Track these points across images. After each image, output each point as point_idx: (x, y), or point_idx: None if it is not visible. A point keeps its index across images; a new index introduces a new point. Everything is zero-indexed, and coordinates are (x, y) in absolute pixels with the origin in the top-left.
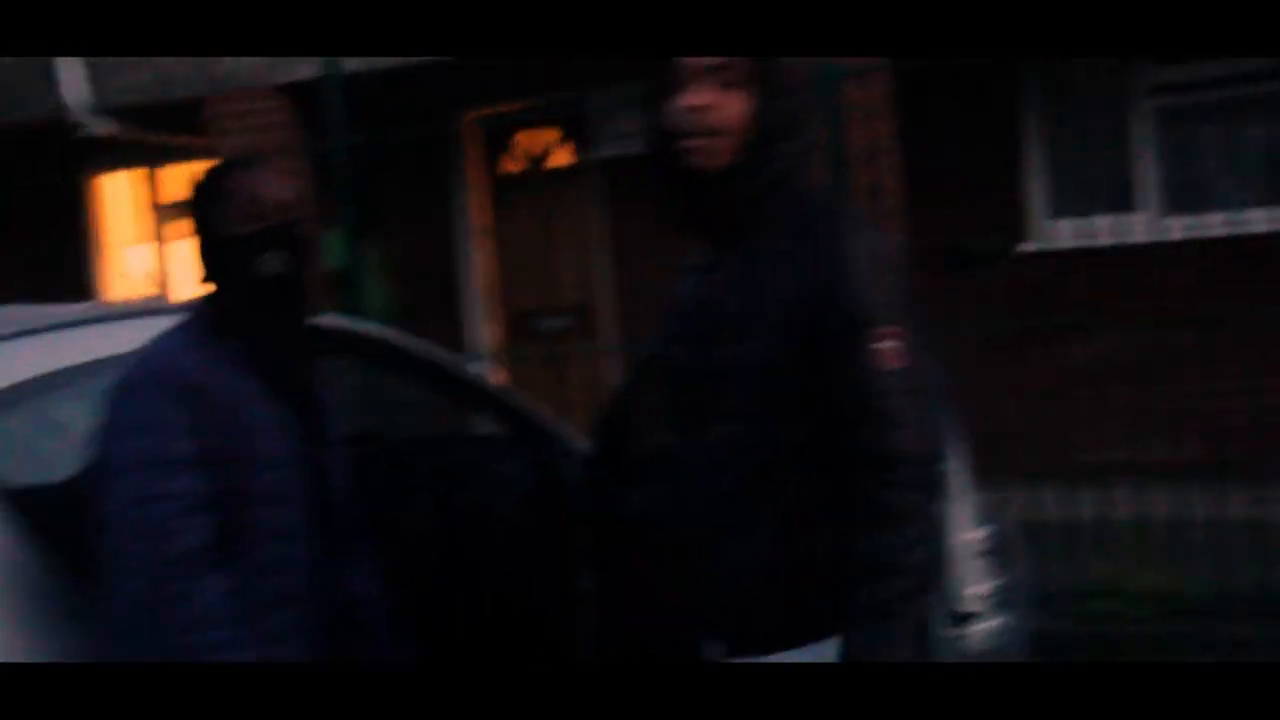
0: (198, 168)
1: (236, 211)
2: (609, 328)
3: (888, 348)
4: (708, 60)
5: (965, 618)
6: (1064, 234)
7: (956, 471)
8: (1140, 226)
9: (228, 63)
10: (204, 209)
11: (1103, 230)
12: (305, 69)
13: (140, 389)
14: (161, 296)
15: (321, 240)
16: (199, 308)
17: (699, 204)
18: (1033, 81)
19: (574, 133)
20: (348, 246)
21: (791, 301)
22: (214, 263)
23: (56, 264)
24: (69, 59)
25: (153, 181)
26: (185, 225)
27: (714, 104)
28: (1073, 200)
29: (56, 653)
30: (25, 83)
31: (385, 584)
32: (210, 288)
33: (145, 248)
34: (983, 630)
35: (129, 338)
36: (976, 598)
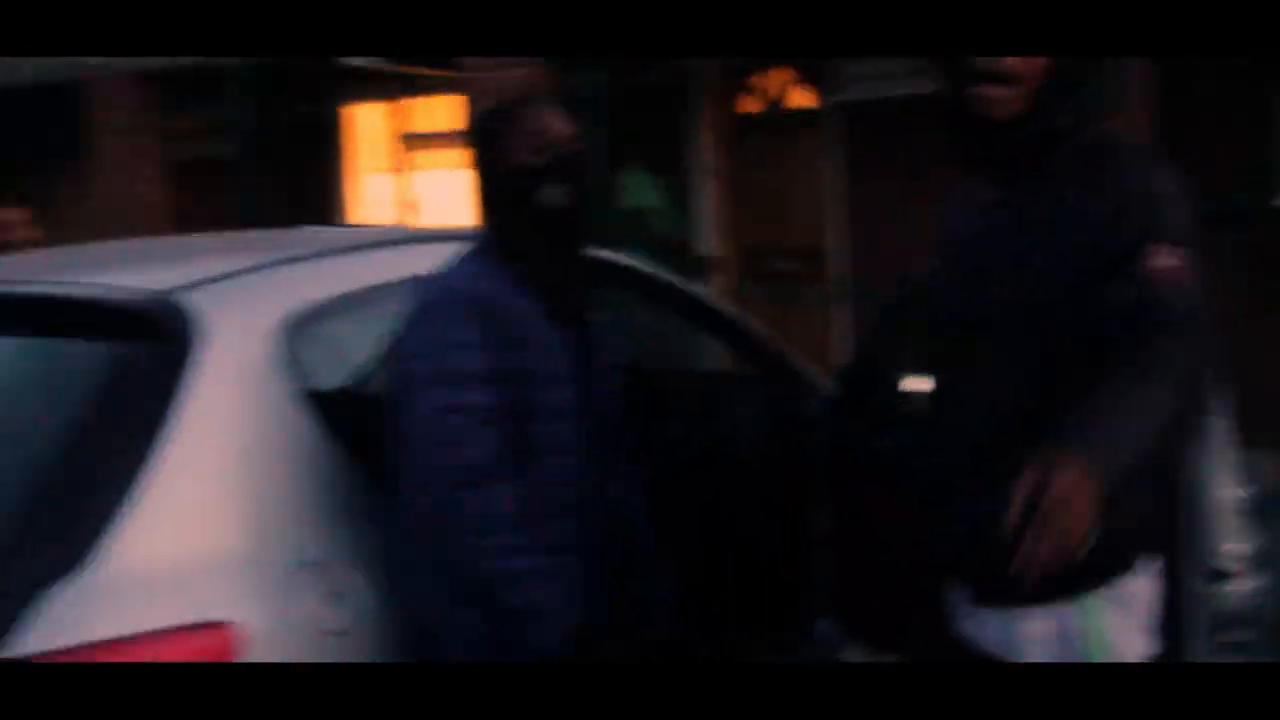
0: (451, 100)
1: (523, 144)
2: (839, 272)
3: (1172, 266)
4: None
5: (1222, 575)
6: None
7: (1219, 427)
8: None
9: None
10: (489, 142)
11: None
12: None
13: (438, 309)
14: (420, 224)
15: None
16: (485, 235)
17: (987, 148)
18: None
19: (813, 74)
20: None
21: (1079, 235)
22: (498, 193)
23: (309, 189)
24: None
25: (401, 112)
26: (460, 156)
27: (1000, 96)
28: None
29: (351, 551)
30: None
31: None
32: (490, 218)
33: (392, 176)
34: (1238, 589)
35: (423, 261)
36: (1234, 556)
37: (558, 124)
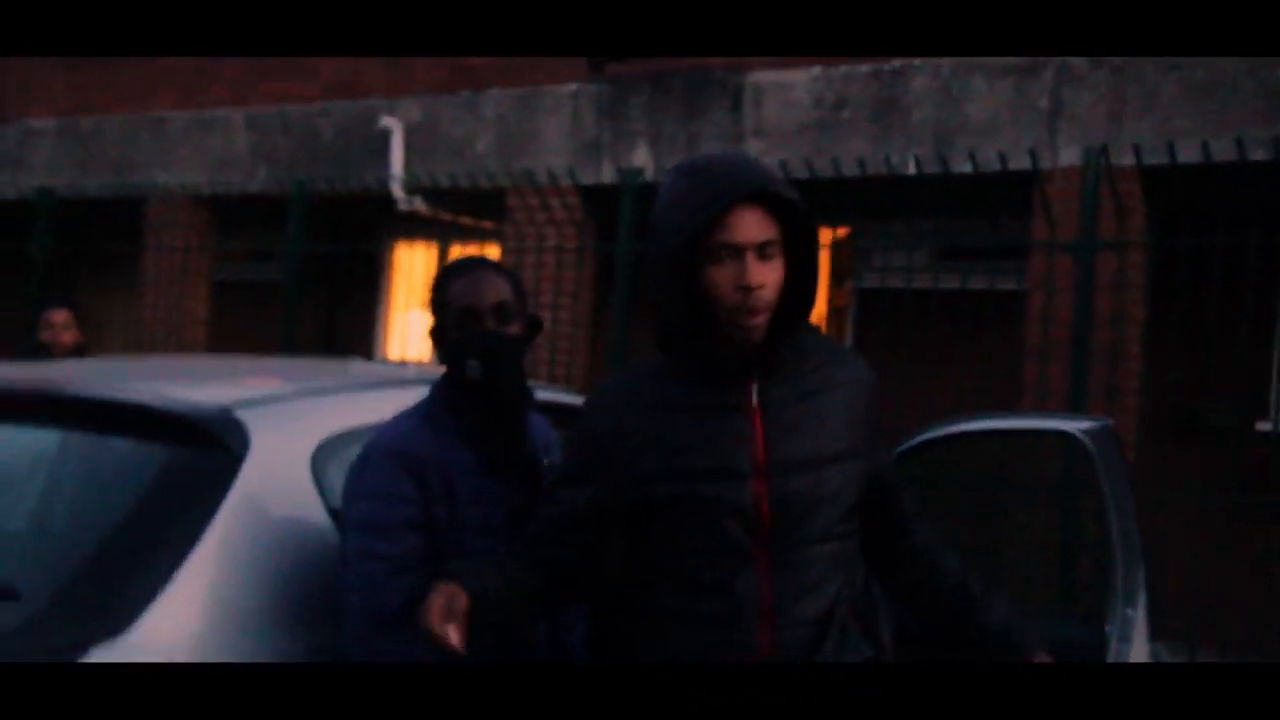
0: (490, 248)
1: (450, 318)
2: None
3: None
4: (759, 238)
5: None
6: None
7: (1135, 617)
8: None
9: (535, 159)
10: (433, 308)
11: None
12: (607, 173)
13: (374, 460)
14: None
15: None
16: (436, 388)
17: (742, 360)
18: None
19: (834, 261)
20: (618, 340)
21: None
22: (439, 355)
23: (349, 321)
24: (396, 140)
25: (444, 255)
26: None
27: (765, 280)
28: None
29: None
30: (361, 157)
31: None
32: (443, 370)
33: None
34: None
35: None
36: None
37: (484, 298)
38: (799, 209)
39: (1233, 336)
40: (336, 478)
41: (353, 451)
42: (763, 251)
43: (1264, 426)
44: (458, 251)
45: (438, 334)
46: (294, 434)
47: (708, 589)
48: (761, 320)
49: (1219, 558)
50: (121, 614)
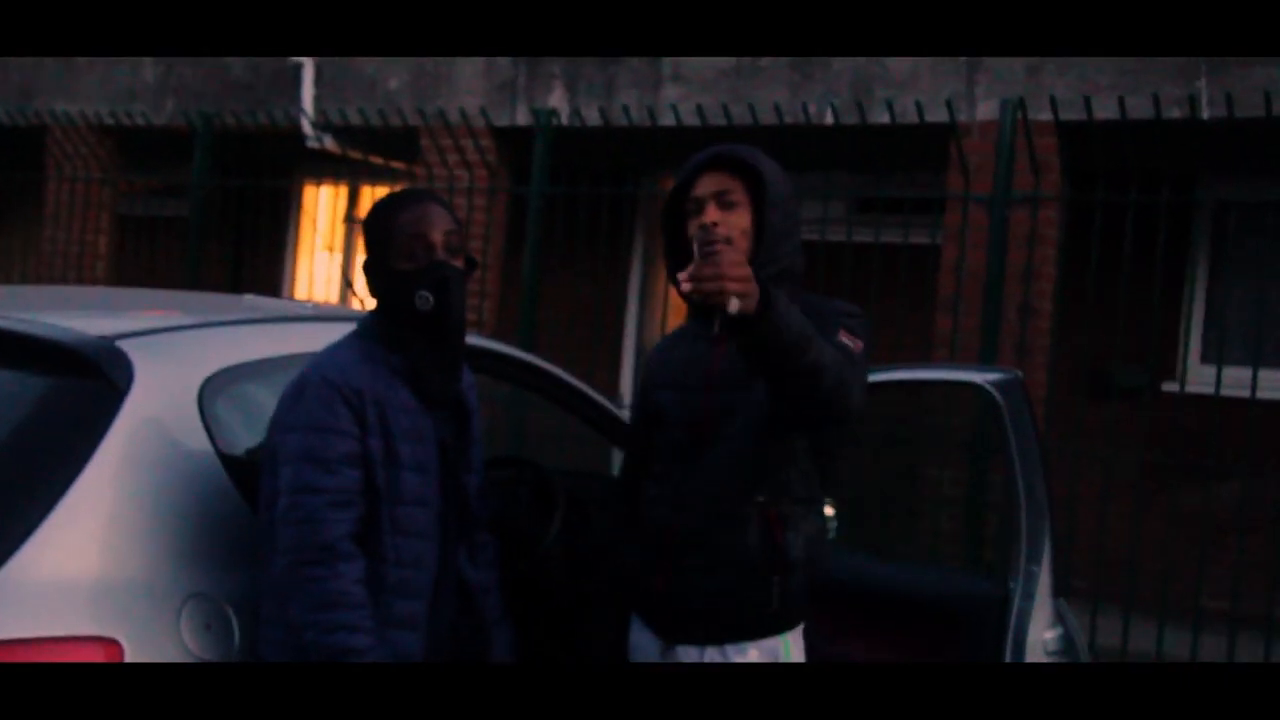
0: (389, 190)
1: (397, 248)
2: None
3: (853, 342)
4: (714, 188)
5: None
6: (1212, 379)
7: (1042, 574)
8: None
9: (449, 99)
10: (373, 239)
11: (1252, 383)
12: (521, 116)
13: (311, 390)
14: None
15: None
16: (367, 321)
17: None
18: (1202, 227)
19: None
20: (530, 283)
21: None
22: (378, 288)
23: (255, 259)
24: (308, 76)
25: (354, 195)
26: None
27: (722, 221)
28: (1227, 348)
29: (230, 593)
30: (271, 92)
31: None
32: (377, 305)
33: (333, 256)
34: None
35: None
36: None
37: (433, 227)
38: (750, 165)
39: (1145, 296)
40: (225, 414)
41: (244, 387)
42: (721, 199)
43: (1171, 388)
44: (368, 192)
45: (376, 265)
46: (181, 367)
47: (654, 476)
48: None
49: (1127, 517)
50: None
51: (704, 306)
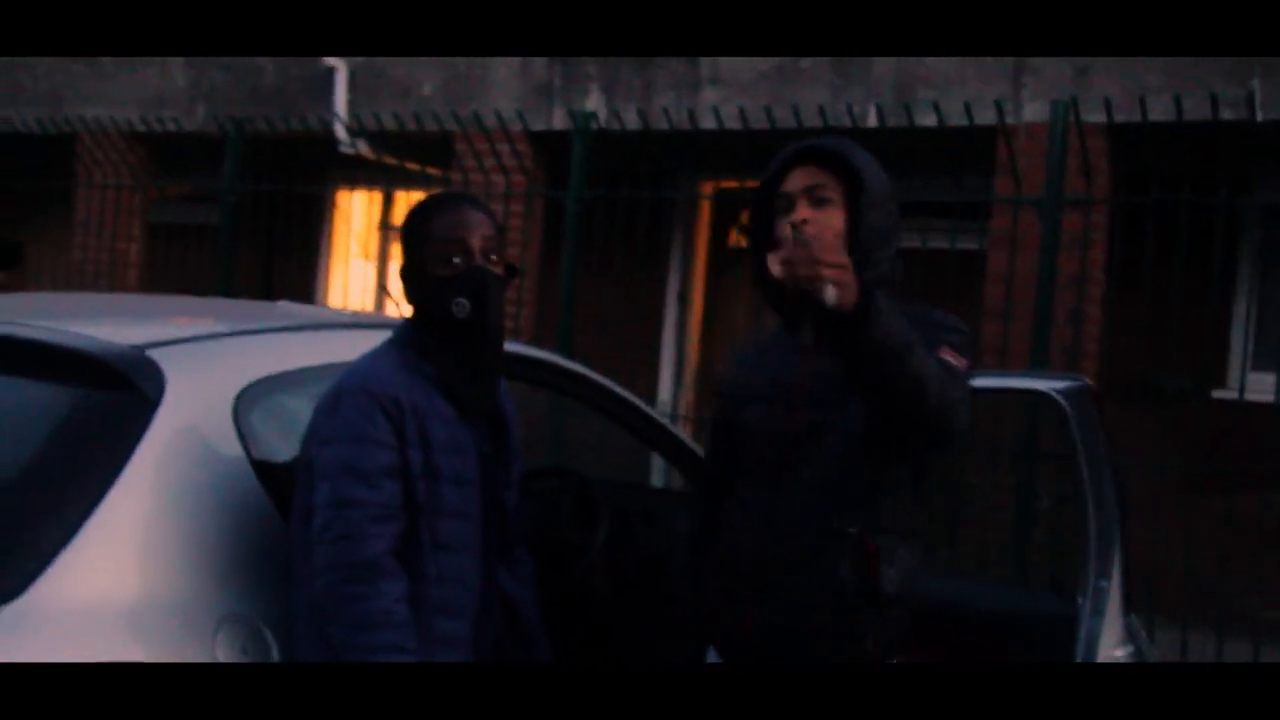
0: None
1: (433, 254)
2: None
3: (957, 360)
4: (805, 183)
5: None
6: (1263, 387)
7: (1112, 590)
8: None
9: (484, 103)
10: (409, 244)
11: None
12: (558, 119)
13: (350, 400)
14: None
15: None
16: (405, 329)
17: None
18: (1256, 235)
19: None
20: (568, 290)
21: None
22: (414, 294)
23: (290, 266)
24: (340, 81)
25: (388, 202)
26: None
27: (813, 219)
28: (1275, 356)
29: (268, 613)
30: (303, 97)
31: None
32: (413, 312)
33: (369, 263)
34: None
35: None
36: None
37: (472, 232)
38: (845, 159)
39: (1195, 301)
40: (261, 425)
41: (280, 398)
42: (813, 195)
43: (1222, 395)
44: (403, 198)
45: (413, 271)
46: (215, 378)
47: (741, 502)
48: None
49: (1173, 525)
50: (19, 573)
51: (796, 304)
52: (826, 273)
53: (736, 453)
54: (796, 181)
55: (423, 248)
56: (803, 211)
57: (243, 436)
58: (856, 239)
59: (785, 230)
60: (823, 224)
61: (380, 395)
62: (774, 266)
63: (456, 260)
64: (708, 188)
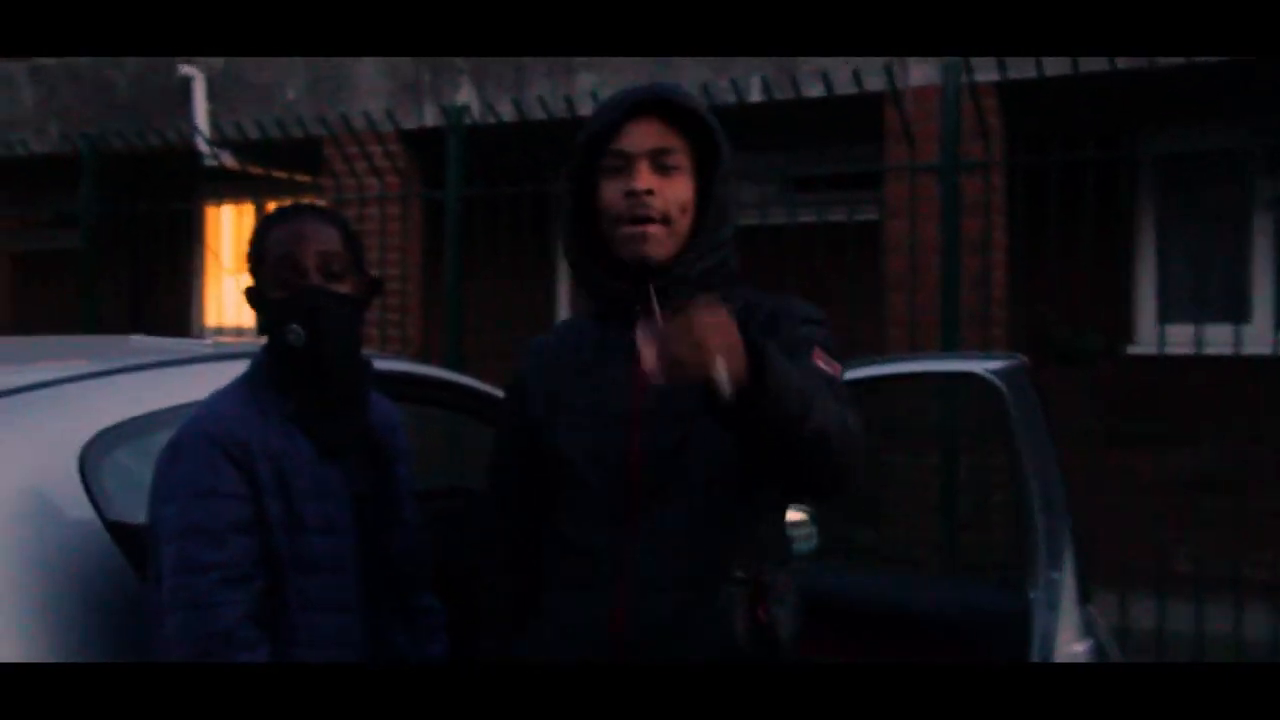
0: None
1: (266, 275)
2: None
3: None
4: (650, 145)
5: None
6: (1171, 339)
7: (1063, 580)
8: (1252, 339)
9: (351, 104)
10: (249, 266)
11: (1212, 340)
12: (430, 116)
13: (188, 449)
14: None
15: None
16: (259, 361)
17: (635, 289)
18: (1151, 186)
19: None
20: (453, 292)
21: None
22: (259, 322)
23: (159, 288)
24: (199, 90)
25: (259, 214)
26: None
27: (659, 189)
28: (1184, 307)
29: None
30: (161, 109)
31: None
32: (265, 342)
33: (240, 280)
34: None
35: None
36: None
37: (305, 247)
38: (699, 116)
39: (1098, 258)
40: (112, 481)
41: (134, 447)
42: (657, 160)
43: (1136, 350)
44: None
45: (255, 295)
46: (57, 428)
47: (574, 548)
48: (654, 232)
49: (1092, 485)
50: None
51: (627, 288)
52: (715, 348)
53: (548, 478)
54: (639, 140)
55: (258, 270)
56: (645, 178)
57: (92, 495)
58: (704, 219)
59: (613, 200)
60: (669, 198)
61: (224, 440)
62: (649, 365)
63: (289, 281)
64: None
